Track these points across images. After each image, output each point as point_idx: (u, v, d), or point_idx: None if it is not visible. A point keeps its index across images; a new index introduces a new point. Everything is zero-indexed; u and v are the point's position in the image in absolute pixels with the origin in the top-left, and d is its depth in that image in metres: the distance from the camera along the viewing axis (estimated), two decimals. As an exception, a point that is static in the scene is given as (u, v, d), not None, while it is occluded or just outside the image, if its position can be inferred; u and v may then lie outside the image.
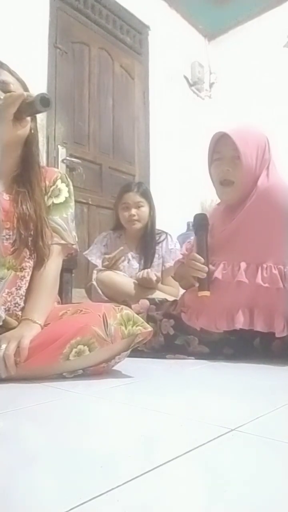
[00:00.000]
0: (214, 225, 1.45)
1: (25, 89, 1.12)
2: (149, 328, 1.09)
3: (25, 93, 1.02)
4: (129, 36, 3.60)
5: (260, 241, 1.30)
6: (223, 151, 1.38)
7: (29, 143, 1.11)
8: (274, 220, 1.30)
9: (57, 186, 1.18)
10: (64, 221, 1.16)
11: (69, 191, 1.21)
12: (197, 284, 1.35)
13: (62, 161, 2.92)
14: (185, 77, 4.14)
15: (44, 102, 1.00)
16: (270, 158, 1.39)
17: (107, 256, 2.00)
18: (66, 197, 1.19)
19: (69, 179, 1.23)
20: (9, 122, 1.01)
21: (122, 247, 2.00)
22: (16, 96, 1.00)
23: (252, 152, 1.34)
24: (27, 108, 1.01)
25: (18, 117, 1.02)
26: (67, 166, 2.95)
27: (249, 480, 0.46)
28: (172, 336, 1.42)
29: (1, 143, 1.02)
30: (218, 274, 1.32)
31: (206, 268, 1.32)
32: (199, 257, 1.34)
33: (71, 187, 1.23)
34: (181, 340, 1.41)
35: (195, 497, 0.43)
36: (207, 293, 1.31)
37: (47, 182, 1.17)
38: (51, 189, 1.17)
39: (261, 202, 1.32)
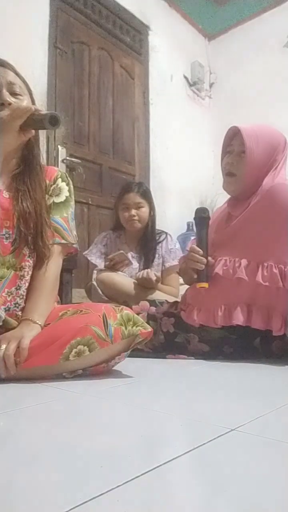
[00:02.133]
0: (217, 222, 1.46)
1: (29, 90, 1.12)
2: (149, 329, 1.08)
3: (33, 107, 1.02)
4: (129, 36, 3.60)
5: (262, 239, 1.31)
6: (234, 145, 1.42)
7: (31, 143, 1.11)
8: (277, 220, 1.30)
9: (57, 185, 1.18)
10: (64, 221, 1.16)
11: (69, 190, 1.21)
12: (195, 276, 1.36)
13: (62, 161, 2.92)
14: (185, 77, 4.14)
15: (53, 121, 1.00)
16: (283, 160, 1.40)
17: (109, 256, 2.00)
18: (66, 196, 1.19)
19: (69, 178, 1.23)
20: (14, 133, 1.02)
21: (121, 251, 2.00)
22: (24, 109, 1.01)
23: (260, 150, 1.35)
24: (34, 122, 1.02)
25: (24, 128, 1.02)
26: (67, 166, 2.95)
27: (249, 480, 0.46)
28: (172, 334, 1.42)
29: (4, 151, 1.02)
30: (218, 269, 1.33)
31: (205, 260, 1.33)
32: (197, 249, 1.35)
33: (72, 186, 1.23)
34: (181, 338, 1.41)
35: (195, 497, 0.43)
36: (205, 284, 1.33)
37: (47, 181, 1.17)
38: (52, 187, 1.17)
39: (265, 202, 1.32)
